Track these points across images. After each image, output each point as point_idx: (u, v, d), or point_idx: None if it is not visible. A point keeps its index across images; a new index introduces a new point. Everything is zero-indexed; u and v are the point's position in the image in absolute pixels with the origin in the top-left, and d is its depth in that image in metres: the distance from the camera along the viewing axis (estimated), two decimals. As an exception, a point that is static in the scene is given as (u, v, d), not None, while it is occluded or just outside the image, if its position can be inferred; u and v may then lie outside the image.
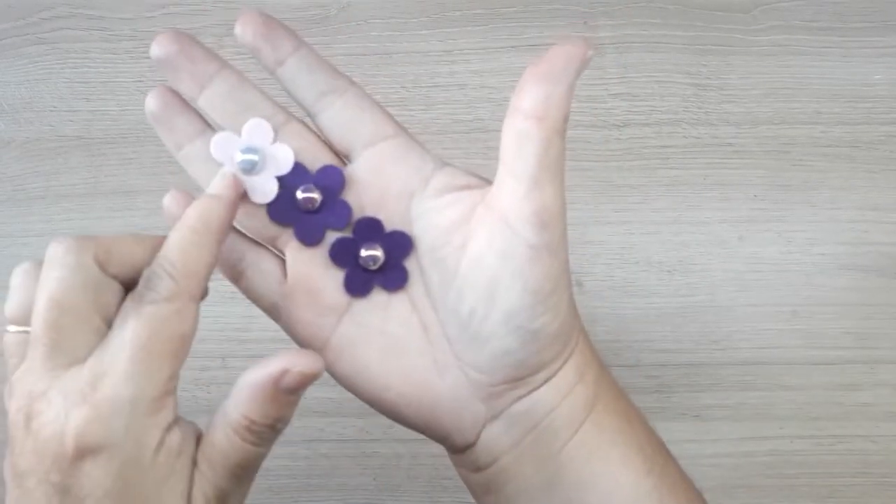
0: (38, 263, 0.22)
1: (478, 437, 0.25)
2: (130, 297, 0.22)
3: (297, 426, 0.52)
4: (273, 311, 0.26)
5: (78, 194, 0.55)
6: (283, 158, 0.25)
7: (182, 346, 0.22)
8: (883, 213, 0.52)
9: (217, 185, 0.27)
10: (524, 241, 0.22)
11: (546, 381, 0.24)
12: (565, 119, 0.23)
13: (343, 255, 0.25)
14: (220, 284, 0.54)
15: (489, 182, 0.24)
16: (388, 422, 0.51)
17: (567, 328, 0.24)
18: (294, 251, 0.25)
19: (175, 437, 0.22)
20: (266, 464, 0.53)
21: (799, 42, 0.54)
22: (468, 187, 0.25)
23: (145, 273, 0.22)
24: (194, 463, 0.22)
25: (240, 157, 0.25)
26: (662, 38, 0.55)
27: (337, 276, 0.25)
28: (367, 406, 0.51)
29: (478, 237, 0.24)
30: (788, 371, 0.50)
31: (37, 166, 0.55)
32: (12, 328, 0.22)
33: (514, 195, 0.22)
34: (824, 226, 0.52)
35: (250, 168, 0.25)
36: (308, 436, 0.51)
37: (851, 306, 0.51)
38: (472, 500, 0.50)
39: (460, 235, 0.24)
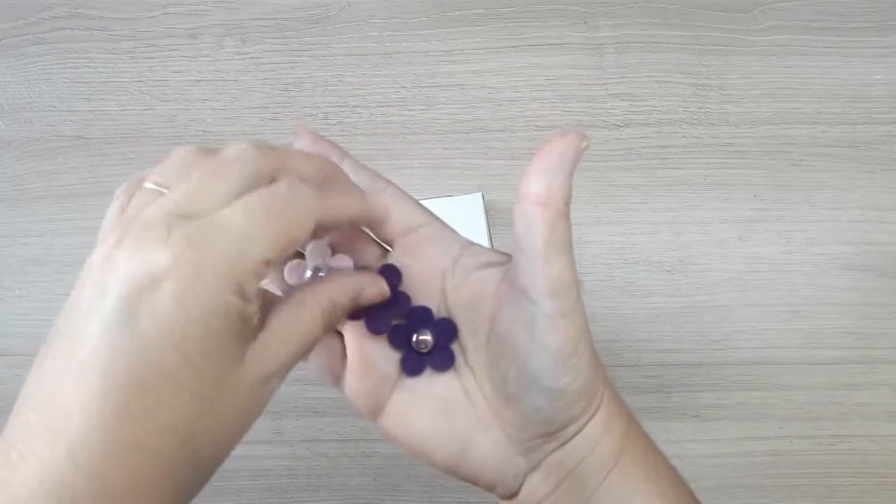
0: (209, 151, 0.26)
1: (520, 486, 0.27)
2: (285, 178, 0.25)
3: (297, 426, 0.52)
4: (334, 383, 0.29)
5: (78, 194, 0.55)
6: (342, 265, 0.29)
7: (296, 234, 0.24)
8: (883, 213, 0.52)
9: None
10: (541, 311, 0.25)
11: (576, 434, 0.27)
12: (567, 203, 0.26)
13: (399, 340, 0.28)
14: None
15: (509, 257, 0.27)
16: (388, 422, 0.51)
17: (590, 385, 0.26)
18: (353, 332, 0.28)
19: (252, 308, 0.23)
20: (266, 464, 0.53)
21: (799, 42, 0.54)
22: (491, 264, 0.28)
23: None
24: (254, 336, 0.24)
25: (308, 274, 0.28)
26: (662, 38, 0.55)
27: (389, 352, 0.28)
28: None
29: (502, 309, 0.27)
30: (788, 371, 0.50)
31: (37, 166, 0.55)
32: (151, 185, 0.25)
33: (527, 271, 0.25)
34: (824, 226, 0.52)
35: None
36: (308, 436, 0.51)
37: (851, 306, 0.51)
38: (472, 500, 0.50)
39: (488, 307, 0.27)
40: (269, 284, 0.29)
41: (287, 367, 0.26)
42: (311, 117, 0.55)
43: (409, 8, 0.56)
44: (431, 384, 0.28)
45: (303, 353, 0.26)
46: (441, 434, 0.28)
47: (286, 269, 0.28)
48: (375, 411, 0.28)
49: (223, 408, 0.23)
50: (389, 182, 0.30)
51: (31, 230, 0.55)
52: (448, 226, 0.30)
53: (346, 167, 0.30)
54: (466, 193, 0.49)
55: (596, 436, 0.27)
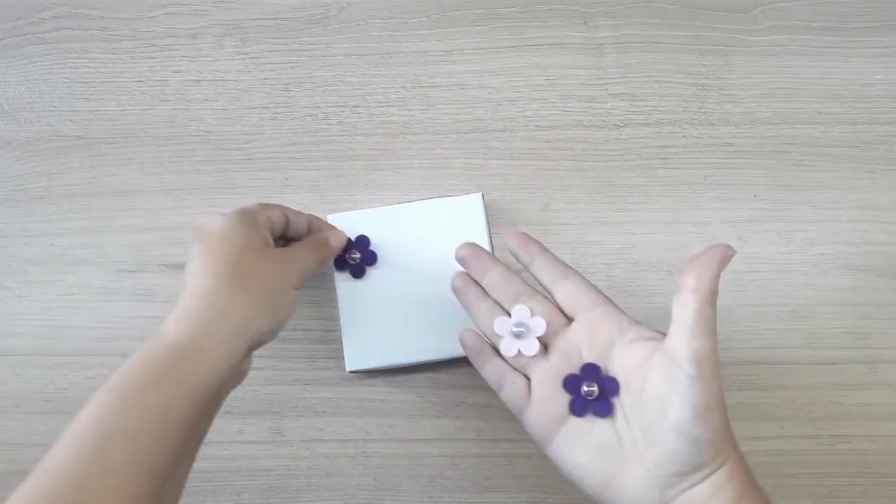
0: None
1: None
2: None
3: (296, 426, 0.52)
4: (518, 413, 0.39)
5: (78, 194, 0.55)
6: (538, 325, 0.39)
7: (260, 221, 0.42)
8: (883, 213, 0.52)
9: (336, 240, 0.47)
10: (685, 374, 0.33)
11: (704, 479, 0.34)
12: (713, 293, 0.33)
13: (572, 386, 0.38)
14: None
15: (664, 335, 0.35)
16: (389, 422, 0.51)
17: (720, 438, 0.34)
18: (539, 378, 0.39)
19: (260, 234, 0.42)
20: (266, 464, 0.53)
21: (799, 42, 0.54)
22: (651, 339, 0.36)
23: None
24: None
25: (513, 329, 0.39)
26: (662, 38, 0.55)
27: (563, 396, 0.38)
28: (366, 406, 0.51)
29: (655, 371, 0.35)
30: (788, 371, 0.50)
31: (37, 166, 0.55)
32: None
33: (677, 342, 0.33)
34: (824, 226, 0.52)
35: (519, 335, 0.39)
36: (308, 436, 0.51)
37: (851, 306, 0.51)
38: (472, 500, 0.50)
39: (644, 370, 0.35)
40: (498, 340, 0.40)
41: (299, 265, 0.43)
42: (311, 117, 0.55)
43: (409, 8, 0.56)
44: (592, 427, 0.37)
45: (307, 265, 0.43)
46: (594, 466, 0.36)
47: (494, 324, 0.40)
48: (546, 441, 0.38)
49: (262, 264, 0.40)
50: (575, 271, 0.40)
51: (31, 230, 0.55)
52: (619, 308, 0.39)
53: (544, 259, 0.40)
54: (466, 193, 0.49)
55: (720, 484, 0.34)
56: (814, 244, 0.51)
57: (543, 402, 0.38)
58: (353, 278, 0.48)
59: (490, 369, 0.40)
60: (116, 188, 0.55)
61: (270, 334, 0.40)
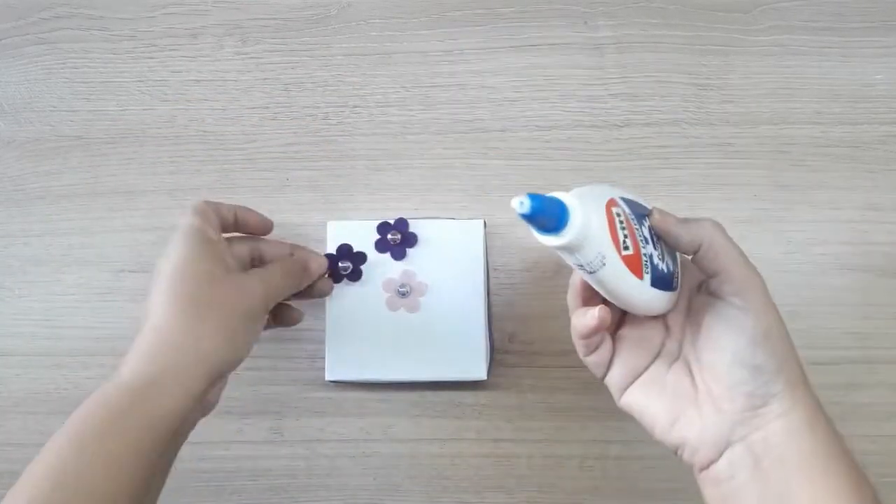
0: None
1: (720, 455, 0.34)
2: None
3: (297, 426, 0.52)
4: (599, 371, 0.39)
5: (78, 194, 0.55)
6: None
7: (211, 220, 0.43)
8: (883, 213, 0.52)
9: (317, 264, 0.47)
10: (734, 307, 0.34)
11: (778, 417, 0.33)
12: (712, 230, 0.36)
13: (382, 231, 0.49)
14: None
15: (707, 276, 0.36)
16: (388, 422, 0.51)
17: (787, 369, 0.34)
18: (624, 334, 0.39)
19: (228, 255, 0.43)
20: (266, 464, 0.53)
21: (799, 42, 0.54)
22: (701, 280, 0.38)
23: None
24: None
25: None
26: (662, 38, 0.55)
27: (642, 351, 0.38)
28: (366, 406, 0.51)
29: (705, 312, 0.36)
30: (788, 371, 0.50)
31: (37, 166, 0.55)
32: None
33: (722, 280, 0.35)
34: (824, 226, 0.52)
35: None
36: (308, 436, 0.51)
37: (851, 306, 0.51)
38: (472, 501, 0.50)
39: (701, 310, 0.37)
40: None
41: (267, 288, 0.42)
42: (311, 117, 0.55)
43: (409, 8, 0.56)
44: (668, 373, 0.37)
45: (277, 288, 0.43)
46: (666, 409, 0.36)
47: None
48: (621, 392, 0.38)
49: (223, 291, 0.40)
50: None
51: (31, 230, 0.55)
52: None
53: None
54: (469, 219, 0.49)
55: (798, 430, 0.33)
56: (814, 244, 0.51)
57: (626, 356, 0.38)
58: (347, 283, 0.49)
59: (594, 338, 0.38)
60: (116, 188, 0.55)
61: (233, 363, 0.39)
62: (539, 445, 0.50)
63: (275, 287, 0.43)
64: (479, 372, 0.47)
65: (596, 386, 0.51)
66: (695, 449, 0.35)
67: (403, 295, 0.48)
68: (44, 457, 0.33)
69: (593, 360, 0.39)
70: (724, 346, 0.34)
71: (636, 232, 0.34)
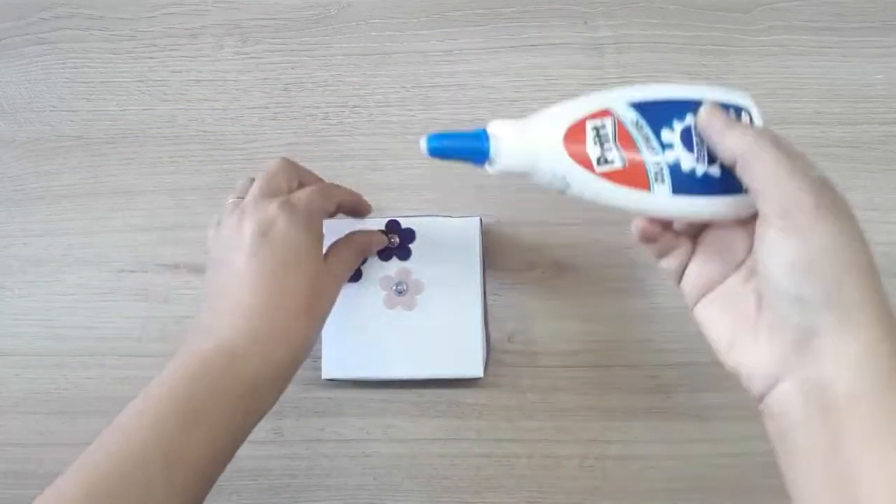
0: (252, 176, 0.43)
1: (770, 389, 0.31)
2: (316, 185, 0.44)
3: (297, 426, 0.52)
4: (675, 275, 0.37)
5: (78, 194, 0.55)
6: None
7: (325, 209, 0.43)
8: (883, 213, 0.52)
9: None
10: (773, 227, 0.30)
11: (830, 355, 0.29)
12: (766, 137, 0.32)
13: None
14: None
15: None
16: (388, 422, 0.51)
17: (839, 301, 0.29)
18: (706, 240, 0.36)
19: (315, 235, 0.42)
20: (266, 464, 0.53)
21: (799, 42, 0.54)
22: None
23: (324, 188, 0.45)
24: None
25: None
26: (662, 38, 0.55)
27: (720, 262, 0.35)
28: (366, 406, 0.51)
29: (757, 238, 0.32)
30: (788, 371, 0.50)
31: (37, 166, 0.55)
32: (232, 198, 0.42)
33: (763, 201, 0.31)
34: (824, 226, 0.52)
35: None
36: (308, 436, 0.51)
37: (851, 306, 0.51)
38: (472, 500, 0.50)
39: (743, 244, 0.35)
40: None
41: (345, 273, 0.44)
42: (311, 117, 0.55)
43: (409, 8, 0.56)
44: (736, 290, 0.34)
45: (352, 267, 0.46)
46: (726, 327, 0.34)
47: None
48: (695, 299, 0.36)
49: (322, 284, 0.41)
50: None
51: (31, 230, 0.55)
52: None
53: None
54: (465, 216, 0.49)
55: (854, 368, 0.29)
56: (814, 244, 0.51)
57: (702, 264, 0.36)
58: (347, 284, 0.48)
59: (660, 242, 0.36)
60: (116, 188, 0.55)
61: (311, 348, 0.41)
62: (539, 445, 0.50)
63: (350, 266, 0.45)
64: (476, 370, 0.47)
65: (596, 386, 0.51)
66: (748, 377, 0.33)
67: (400, 293, 0.48)
68: (145, 410, 0.35)
69: (665, 265, 0.37)
70: (767, 272, 0.31)
71: (643, 140, 0.32)
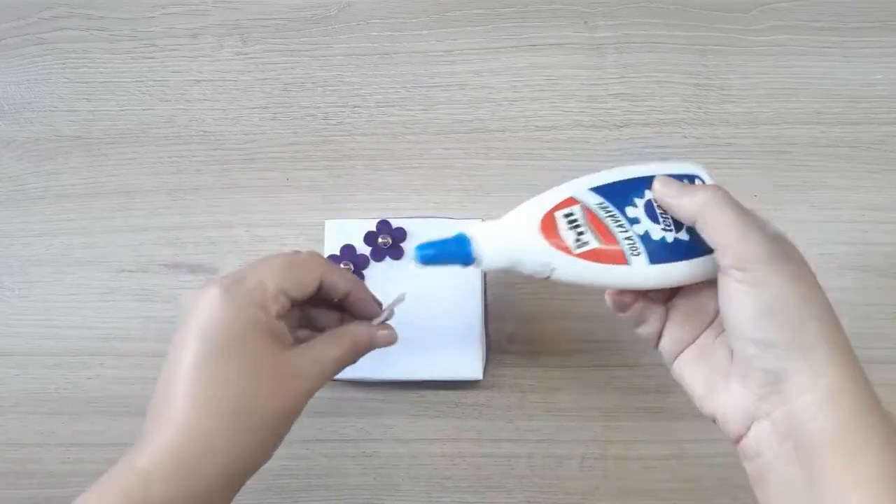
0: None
1: (747, 429, 0.33)
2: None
3: (297, 426, 0.52)
4: (655, 344, 0.39)
5: (78, 194, 0.55)
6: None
7: (290, 276, 0.36)
8: (883, 213, 0.52)
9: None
10: (733, 280, 0.32)
11: (800, 394, 0.31)
12: (718, 197, 0.34)
13: (370, 239, 0.49)
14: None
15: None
16: (388, 422, 0.51)
17: (804, 344, 0.31)
18: (678, 305, 0.38)
19: (277, 324, 0.35)
20: (266, 464, 0.53)
21: (799, 42, 0.54)
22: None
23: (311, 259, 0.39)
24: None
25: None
26: (662, 38, 0.55)
27: (694, 324, 0.38)
28: (366, 406, 0.51)
29: (719, 286, 0.33)
30: (788, 371, 0.50)
31: (37, 166, 0.55)
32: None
33: (718, 255, 0.33)
34: (824, 226, 0.52)
35: None
36: (308, 436, 0.51)
37: (851, 306, 0.51)
38: (472, 501, 0.50)
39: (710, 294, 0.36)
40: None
41: (323, 376, 0.37)
42: (311, 117, 0.55)
43: (409, 8, 0.56)
44: (712, 345, 0.36)
45: (334, 370, 0.37)
46: (702, 377, 0.36)
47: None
48: (672, 359, 0.38)
49: (272, 385, 0.34)
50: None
51: (31, 230, 0.55)
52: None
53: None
54: (466, 218, 0.50)
55: (820, 406, 0.31)
56: (814, 244, 0.51)
57: (677, 327, 0.38)
58: None
59: (634, 309, 0.38)
60: (116, 188, 0.55)
61: (261, 465, 0.35)
62: (539, 445, 0.50)
63: (331, 370, 0.37)
64: (475, 372, 0.48)
65: (596, 386, 0.51)
66: (725, 421, 0.34)
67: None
68: None
69: (642, 332, 0.38)
70: (732, 321, 0.32)
71: (611, 219, 0.34)
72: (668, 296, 0.38)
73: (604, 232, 0.34)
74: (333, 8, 0.56)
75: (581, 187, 0.35)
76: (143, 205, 0.54)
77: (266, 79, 0.56)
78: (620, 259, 0.34)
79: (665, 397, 0.50)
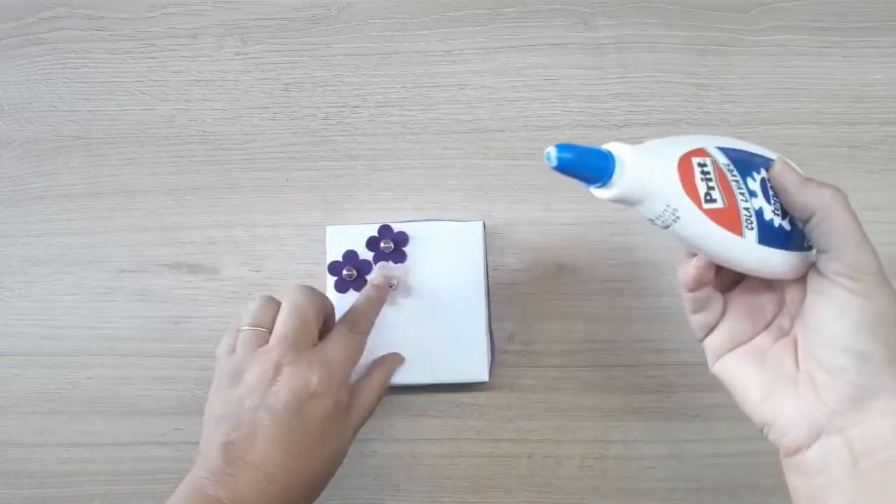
0: (273, 298, 0.43)
1: (811, 442, 0.32)
2: (341, 325, 0.44)
3: (297, 426, 0.52)
4: (702, 331, 0.37)
5: (78, 194, 0.55)
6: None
7: (357, 357, 0.44)
8: (883, 213, 0.52)
9: (376, 283, 0.47)
10: (842, 288, 0.31)
11: (885, 415, 0.30)
12: (838, 200, 0.32)
13: (373, 244, 0.49)
14: (222, 286, 0.54)
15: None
16: (388, 422, 0.51)
17: None
18: (736, 298, 0.37)
19: (347, 395, 0.43)
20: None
21: (799, 42, 0.54)
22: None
23: (349, 317, 0.45)
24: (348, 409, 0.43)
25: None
26: (662, 38, 0.55)
27: (750, 320, 0.36)
28: (367, 406, 0.51)
29: (810, 291, 0.33)
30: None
31: (37, 166, 0.55)
32: (247, 328, 0.42)
33: (831, 259, 0.31)
34: (824, 226, 0.52)
35: None
36: (308, 436, 0.51)
37: (851, 306, 0.51)
38: (472, 500, 0.50)
39: (801, 294, 0.34)
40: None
41: (363, 420, 0.45)
42: (311, 117, 0.55)
43: (409, 8, 0.56)
44: (773, 353, 0.35)
45: (371, 412, 0.45)
46: (759, 380, 0.34)
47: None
48: (717, 356, 0.36)
49: (340, 449, 0.42)
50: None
51: (31, 230, 0.55)
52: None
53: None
54: (469, 220, 0.49)
55: None
56: (814, 244, 0.51)
57: (733, 322, 0.36)
58: (352, 291, 0.49)
59: (706, 290, 0.36)
60: (116, 188, 0.55)
61: None
62: (539, 445, 0.50)
63: (370, 410, 0.45)
64: (481, 374, 0.48)
65: (596, 386, 0.51)
66: (783, 430, 0.33)
67: (392, 287, 0.48)
68: None
69: (699, 320, 0.37)
70: (828, 328, 0.31)
71: (735, 184, 0.31)
72: (727, 288, 0.37)
73: (728, 194, 0.31)
74: (333, 8, 0.56)
75: (710, 143, 0.32)
76: (143, 205, 0.54)
77: (266, 79, 0.56)
78: (737, 228, 0.31)
79: (665, 397, 0.50)
